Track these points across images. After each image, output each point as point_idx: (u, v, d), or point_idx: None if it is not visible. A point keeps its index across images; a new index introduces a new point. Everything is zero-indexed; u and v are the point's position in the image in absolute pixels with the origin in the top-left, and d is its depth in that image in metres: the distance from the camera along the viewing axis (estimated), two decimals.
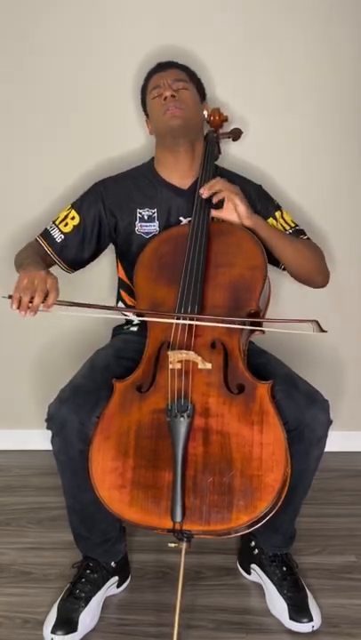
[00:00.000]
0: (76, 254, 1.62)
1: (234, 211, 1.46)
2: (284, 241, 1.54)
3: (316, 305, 1.75)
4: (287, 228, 1.65)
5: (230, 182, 1.51)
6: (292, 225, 1.66)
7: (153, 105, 1.59)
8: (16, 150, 1.91)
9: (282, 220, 1.65)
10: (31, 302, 1.23)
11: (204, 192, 1.48)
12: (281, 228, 1.64)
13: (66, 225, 1.61)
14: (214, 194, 1.47)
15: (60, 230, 1.61)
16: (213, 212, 1.49)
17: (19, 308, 1.23)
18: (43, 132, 1.88)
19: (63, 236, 1.60)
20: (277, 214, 1.66)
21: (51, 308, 1.25)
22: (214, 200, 1.48)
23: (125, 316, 1.69)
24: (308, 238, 1.66)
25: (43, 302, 1.23)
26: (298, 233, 1.65)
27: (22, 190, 1.94)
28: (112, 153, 1.87)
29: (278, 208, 1.68)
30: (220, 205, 1.48)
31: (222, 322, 1.32)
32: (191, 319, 1.33)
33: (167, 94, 1.53)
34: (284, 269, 1.63)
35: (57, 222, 1.62)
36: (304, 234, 1.67)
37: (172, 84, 1.55)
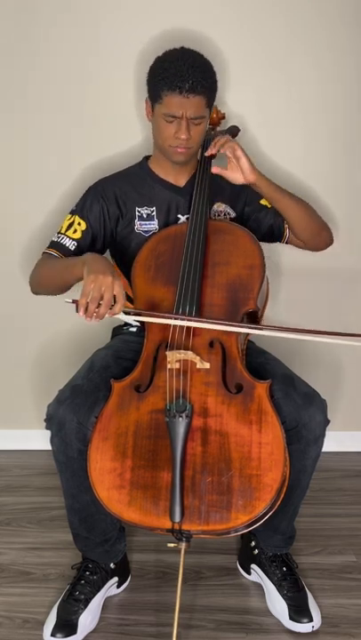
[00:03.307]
0: None
1: (237, 169, 1.45)
2: (286, 195, 1.52)
3: (315, 304, 1.75)
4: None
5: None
6: None
7: (162, 125, 1.48)
8: (14, 148, 1.91)
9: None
10: (97, 308, 1.21)
11: (209, 151, 1.50)
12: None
13: (75, 232, 1.56)
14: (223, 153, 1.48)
15: (70, 238, 1.55)
16: (216, 169, 1.47)
17: (85, 313, 1.22)
18: (39, 129, 1.88)
19: (75, 243, 1.55)
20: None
21: (116, 315, 1.25)
22: (216, 152, 1.49)
23: (135, 323, 1.66)
24: None
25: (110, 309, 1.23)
26: None
27: (17, 187, 1.93)
28: (109, 152, 1.86)
29: None
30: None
31: (221, 325, 1.32)
32: (190, 320, 1.33)
33: (183, 137, 1.46)
34: (287, 242, 1.62)
35: (63, 231, 1.56)
36: None
37: (191, 121, 1.46)
